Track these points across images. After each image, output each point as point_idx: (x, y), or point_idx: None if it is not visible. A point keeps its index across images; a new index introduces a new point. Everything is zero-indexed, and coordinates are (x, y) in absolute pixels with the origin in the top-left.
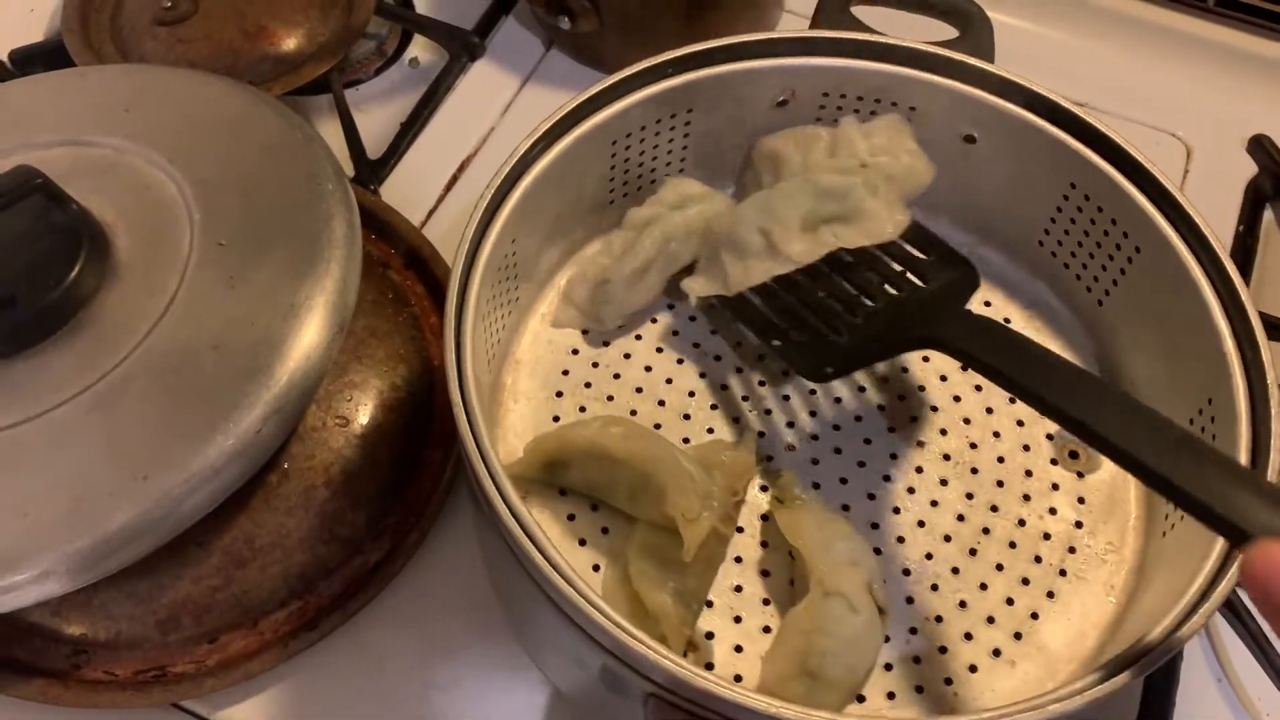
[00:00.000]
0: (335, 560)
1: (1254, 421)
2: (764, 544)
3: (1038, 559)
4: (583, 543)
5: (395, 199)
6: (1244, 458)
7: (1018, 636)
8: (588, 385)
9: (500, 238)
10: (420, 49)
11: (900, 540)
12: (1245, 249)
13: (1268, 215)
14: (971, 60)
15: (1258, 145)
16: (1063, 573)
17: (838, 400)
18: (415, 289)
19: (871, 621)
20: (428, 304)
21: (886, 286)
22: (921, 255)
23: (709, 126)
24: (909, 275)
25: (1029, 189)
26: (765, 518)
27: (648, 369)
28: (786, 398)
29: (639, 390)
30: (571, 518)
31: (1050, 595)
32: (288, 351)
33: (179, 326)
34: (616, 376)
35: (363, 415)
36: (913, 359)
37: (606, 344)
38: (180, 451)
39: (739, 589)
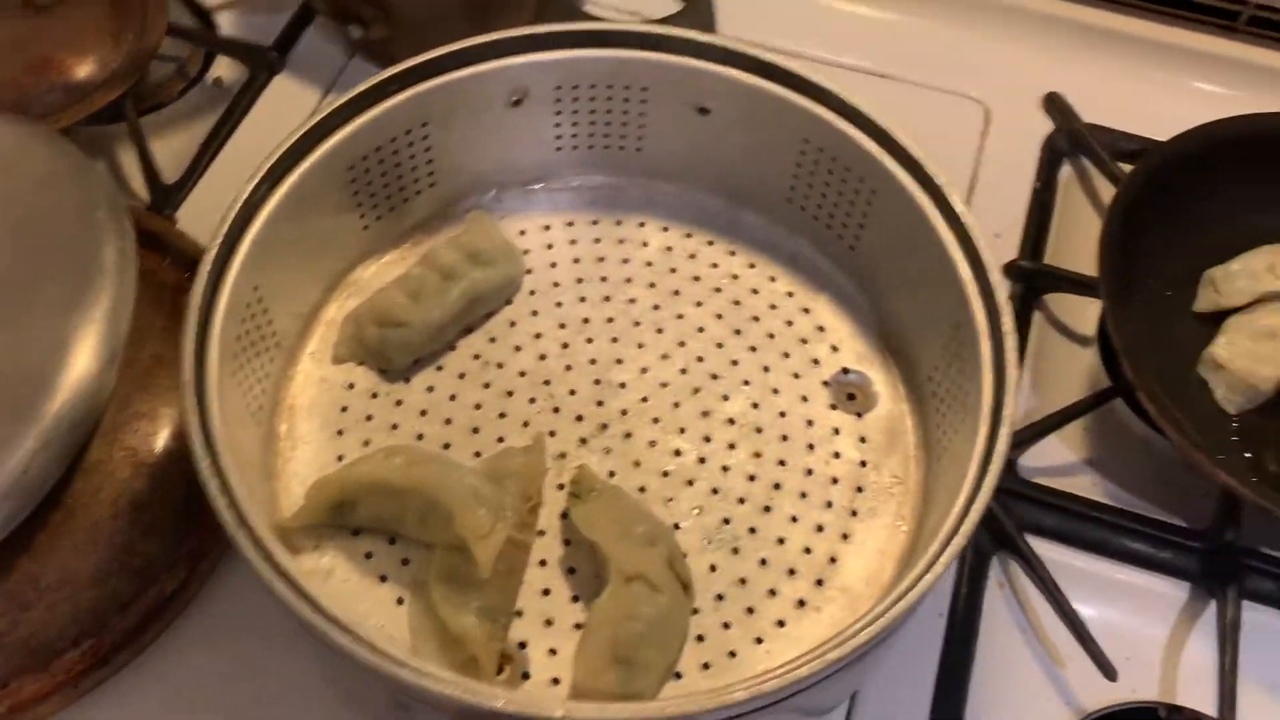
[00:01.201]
0: (129, 593)
1: (993, 336)
2: (567, 542)
3: (829, 504)
4: (384, 578)
5: (195, 223)
6: (987, 375)
7: (819, 583)
8: (369, 418)
9: (239, 287)
10: (224, 68)
11: (698, 511)
12: (1043, 205)
13: (1065, 171)
14: (694, 35)
15: (1052, 103)
16: (854, 513)
17: (622, 386)
18: None
19: (676, 598)
20: None
21: None
22: None
23: (449, 137)
24: None
25: (767, 150)
26: (565, 515)
27: (430, 389)
28: (573, 392)
29: (423, 413)
30: (369, 555)
31: (845, 537)
32: (56, 386)
33: None
34: (399, 403)
35: (152, 445)
36: (683, 328)
37: (384, 372)
38: None
39: (547, 592)
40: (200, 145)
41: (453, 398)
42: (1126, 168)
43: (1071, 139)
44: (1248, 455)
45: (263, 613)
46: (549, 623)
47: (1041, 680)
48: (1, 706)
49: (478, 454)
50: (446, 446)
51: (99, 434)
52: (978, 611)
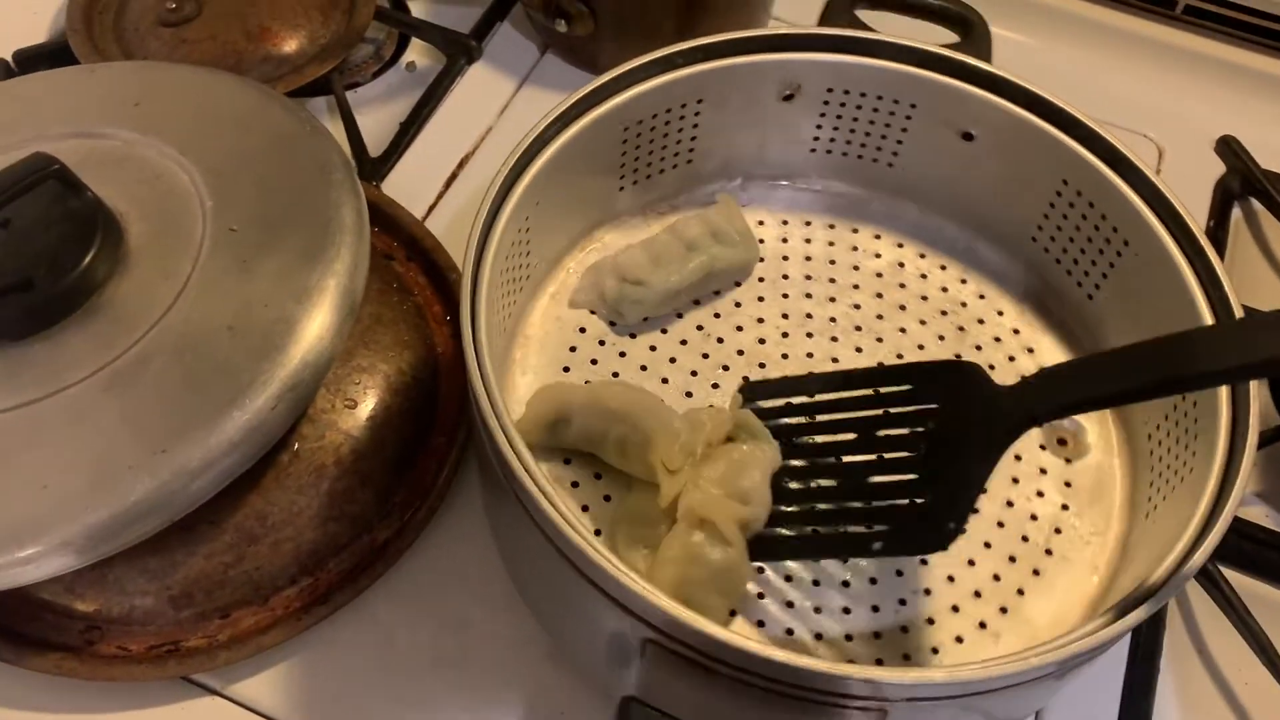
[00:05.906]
0: (345, 537)
1: (1233, 391)
2: None
3: (1025, 538)
4: (585, 509)
5: (396, 195)
6: (1225, 414)
7: (1003, 610)
8: (594, 362)
9: (514, 213)
10: (417, 53)
11: None
12: (1216, 244)
13: (1236, 212)
14: (972, 60)
15: (1226, 146)
16: (1049, 552)
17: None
18: (418, 280)
19: None
20: (430, 294)
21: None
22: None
23: (717, 119)
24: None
25: (1023, 185)
26: None
27: (652, 349)
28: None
29: (644, 368)
30: (575, 485)
31: (1036, 573)
32: (301, 332)
33: (193, 308)
34: (622, 355)
35: (370, 398)
36: (904, 341)
37: (613, 324)
38: (197, 427)
39: None
40: (401, 124)
41: (672, 360)
42: None
43: (1244, 182)
44: None
45: (474, 568)
46: None
47: (1221, 707)
48: (223, 635)
49: None
50: None
51: (324, 383)
52: (1160, 631)
